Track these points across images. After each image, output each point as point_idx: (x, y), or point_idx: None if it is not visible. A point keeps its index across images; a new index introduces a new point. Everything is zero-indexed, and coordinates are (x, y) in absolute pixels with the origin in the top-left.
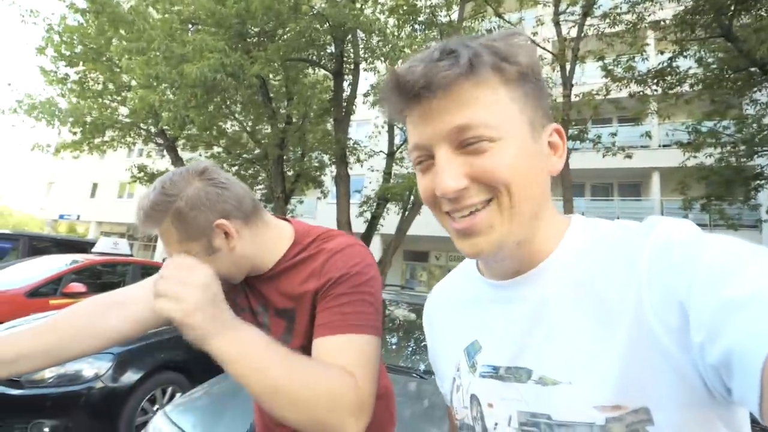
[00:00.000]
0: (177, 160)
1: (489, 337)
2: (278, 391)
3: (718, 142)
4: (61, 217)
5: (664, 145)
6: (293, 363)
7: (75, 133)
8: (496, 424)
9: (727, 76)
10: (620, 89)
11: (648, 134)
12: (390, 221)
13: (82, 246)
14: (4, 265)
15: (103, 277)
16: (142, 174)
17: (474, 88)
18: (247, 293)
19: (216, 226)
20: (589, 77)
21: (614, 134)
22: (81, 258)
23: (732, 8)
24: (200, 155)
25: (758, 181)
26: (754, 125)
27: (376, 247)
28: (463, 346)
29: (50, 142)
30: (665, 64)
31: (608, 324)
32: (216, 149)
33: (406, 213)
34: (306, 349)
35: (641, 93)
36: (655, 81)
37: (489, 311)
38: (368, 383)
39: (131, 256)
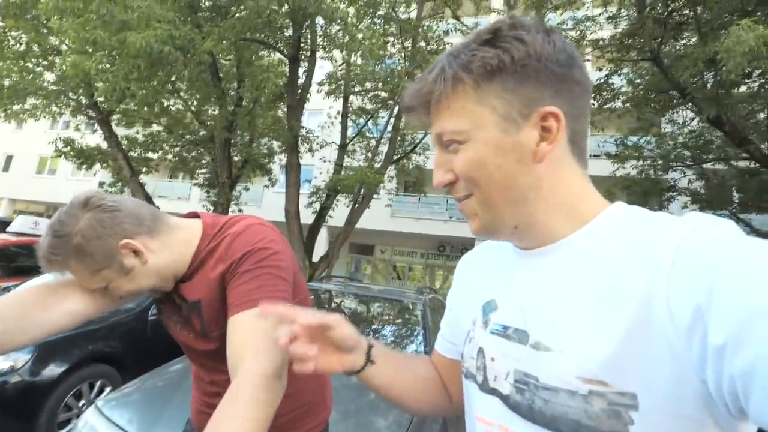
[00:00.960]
0: (111, 136)
1: (505, 299)
2: None
3: (640, 156)
4: None
5: (595, 155)
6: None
7: None
8: (495, 376)
9: (651, 96)
10: None
11: None
12: (339, 213)
13: None
14: None
15: (19, 260)
16: (68, 149)
17: (444, 100)
18: (174, 297)
19: (121, 248)
20: None
21: None
22: None
23: (662, 36)
24: (137, 132)
25: (671, 193)
26: (671, 142)
27: (323, 238)
28: (481, 303)
29: None
30: (602, 80)
31: (613, 304)
32: (156, 127)
33: (356, 206)
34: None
35: None
36: (593, 95)
37: (510, 275)
38: (265, 352)
39: None
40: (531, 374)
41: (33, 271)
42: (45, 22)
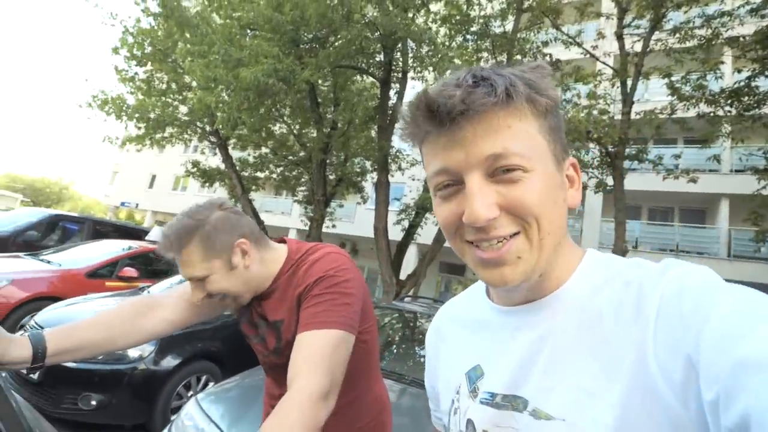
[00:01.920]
0: (227, 158)
1: (491, 363)
2: None
3: None
4: (123, 204)
5: (737, 170)
6: None
7: (140, 128)
8: None
9: None
10: (687, 109)
11: (717, 158)
12: (428, 231)
13: (137, 233)
14: (70, 245)
15: (154, 264)
16: (195, 169)
17: (508, 117)
18: (252, 309)
19: (236, 245)
20: (652, 94)
21: (678, 156)
22: (135, 245)
23: None
24: (249, 154)
25: None
26: None
27: (411, 256)
28: (465, 369)
29: (118, 135)
30: (742, 83)
31: (610, 366)
32: (263, 150)
33: None
34: None
35: (712, 114)
36: (729, 102)
37: (494, 337)
38: (320, 371)
39: None
40: None
41: (164, 273)
42: (181, 63)
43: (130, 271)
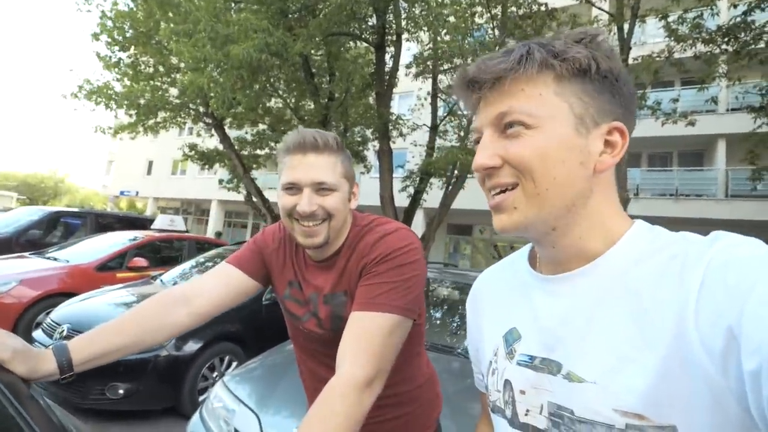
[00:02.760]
0: (224, 139)
1: (529, 327)
2: None
3: None
4: (122, 193)
5: (733, 109)
6: None
7: (130, 115)
8: (527, 410)
9: None
10: (684, 50)
11: (714, 100)
12: (434, 195)
13: (142, 222)
14: (75, 241)
15: (163, 252)
16: (193, 152)
17: (520, 82)
18: (302, 285)
19: (356, 184)
20: (648, 37)
21: (676, 100)
22: (141, 234)
23: None
24: (246, 132)
25: None
26: None
27: (419, 221)
28: (502, 332)
29: (109, 124)
30: (738, 19)
31: (647, 334)
32: (261, 126)
33: (450, 187)
34: None
35: (709, 53)
36: (726, 39)
37: (532, 302)
38: (368, 357)
39: (187, 231)
40: (565, 407)
41: (172, 261)
42: (166, 44)
43: (139, 261)
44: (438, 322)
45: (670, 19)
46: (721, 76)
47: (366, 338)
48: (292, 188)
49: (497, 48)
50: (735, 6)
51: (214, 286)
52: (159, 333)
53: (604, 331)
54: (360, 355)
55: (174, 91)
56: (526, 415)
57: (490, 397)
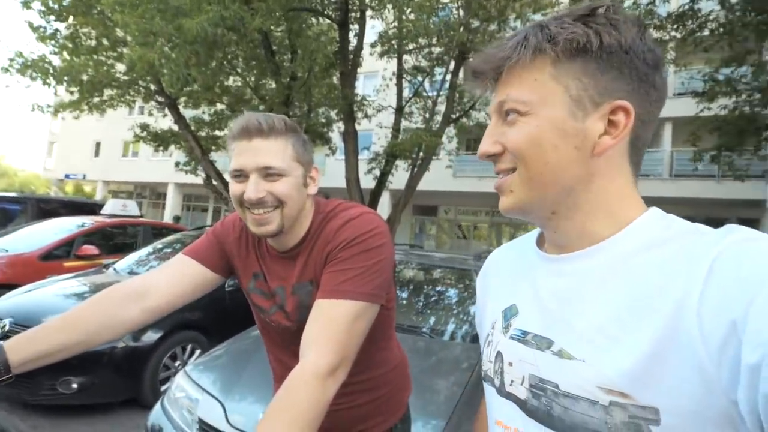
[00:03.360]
0: (179, 119)
1: (528, 304)
2: None
3: (733, 91)
4: (67, 176)
5: (679, 94)
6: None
7: (72, 93)
8: (512, 381)
9: (749, 18)
10: None
11: None
12: (399, 177)
13: (91, 208)
14: (14, 229)
15: (115, 239)
16: (145, 133)
17: (517, 68)
18: (266, 277)
19: (313, 168)
20: None
21: None
22: (91, 220)
23: None
24: (203, 112)
25: None
26: None
27: (385, 203)
28: (502, 308)
29: (49, 101)
30: (686, 6)
31: (641, 316)
32: (219, 106)
33: (415, 169)
34: None
35: (660, 39)
36: (675, 26)
37: (534, 281)
38: (332, 345)
39: (141, 216)
40: (550, 381)
41: (126, 248)
42: (110, 15)
43: (89, 249)
44: (404, 302)
45: (625, 5)
46: (669, 62)
47: (330, 326)
48: (240, 175)
49: (461, 28)
50: None
51: (169, 279)
52: (109, 331)
53: (599, 311)
54: (324, 344)
55: (121, 67)
56: (510, 385)
57: (483, 367)
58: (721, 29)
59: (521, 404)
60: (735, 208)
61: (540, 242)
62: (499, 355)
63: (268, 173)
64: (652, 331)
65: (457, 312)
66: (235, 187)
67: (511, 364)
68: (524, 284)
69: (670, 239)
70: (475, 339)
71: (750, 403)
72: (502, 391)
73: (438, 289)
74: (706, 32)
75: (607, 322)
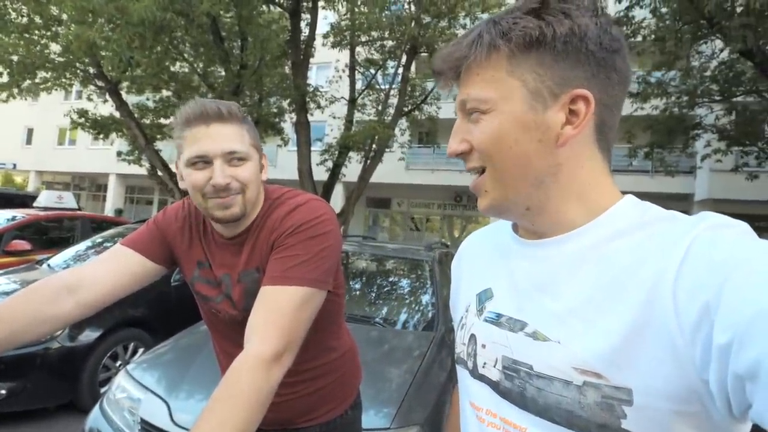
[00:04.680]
0: (122, 105)
1: (503, 288)
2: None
3: (664, 93)
4: None
5: None
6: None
7: (0, 75)
8: (485, 363)
9: (677, 27)
10: None
11: None
12: (352, 169)
13: (22, 200)
14: None
15: (50, 233)
16: (83, 120)
17: (474, 67)
18: (212, 265)
19: (263, 154)
20: None
21: None
22: (22, 213)
23: None
24: (147, 99)
25: (696, 131)
26: (698, 77)
27: (338, 195)
28: (477, 291)
29: None
30: (622, 13)
31: (617, 298)
32: (165, 93)
33: (368, 161)
34: None
35: None
36: None
37: (510, 264)
38: (277, 331)
39: (79, 209)
40: (523, 362)
41: (63, 242)
42: None
43: (20, 244)
44: (357, 293)
45: None
46: None
47: (275, 312)
48: (200, 162)
49: (413, 23)
50: (619, 1)
51: (105, 271)
52: (40, 326)
53: (574, 294)
54: (269, 330)
55: (56, 48)
56: (483, 367)
57: (455, 350)
58: (653, 36)
59: (494, 386)
60: (666, 202)
61: (516, 227)
62: (472, 337)
63: (233, 158)
64: (627, 314)
65: (410, 301)
66: (196, 176)
67: (484, 346)
68: (500, 268)
69: (645, 225)
70: (426, 327)
71: (720, 382)
72: (475, 373)
73: (391, 279)
74: (639, 38)
75: (582, 304)
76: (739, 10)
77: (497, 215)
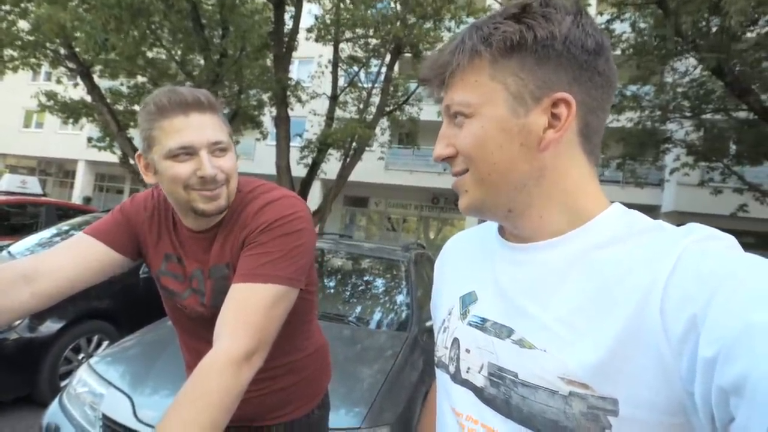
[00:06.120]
0: (93, 89)
1: (487, 292)
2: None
3: (638, 106)
4: None
5: None
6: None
7: None
8: (468, 368)
9: (654, 43)
10: None
11: None
12: (331, 167)
13: None
14: None
15: (12, 219)
16: (51, 102)
17: (457, 73)
18: (182, 259)
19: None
20: None
21: None
22: None
23: None
24: (121, 84)
25: (666, 145)
26: (671, 92)
27: (316, 192)
28: (460, 293)
29: None
30: (603, 26)
31: (605, 309)
32: (140, 79)
33: (347, 159)
34: None
35: None
36: None
37: (495, 268)
38: (248, 330)
39: (44, 195)
40: (509, 369)
41: (25, 229)
42: None
43: None
44: (332, 291)
45: None
46: None
47: (246, 310)
48: (183, 153)
49: (398, 23)
50: (601, 14)
51: (65, 260)
52: None
53: (561, 303)
54: (239, 328)
55: (25, 25)
56: (467, 372)
57: (436, 353)
58: (631, 50)
59: (478, 392)
60: None
61: (501, 229)
62: (455, 341)
63: (216, 149)
64: (616, 325)
65: (384, 301)
66: (180, 168)
67: (468, 350)
68: (484, 271)
69: (633, 234)
70: (400, 327)
71: (704, 394)
72: (457, 378)
73: (366, 278)
74: (618, 51)
75: (570, 314)
76: (714, 29)
77: (477, 215)
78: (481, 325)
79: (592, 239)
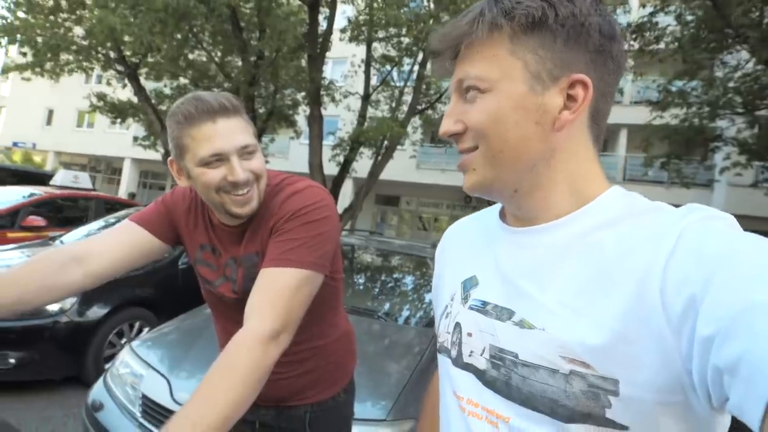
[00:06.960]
0: (140, 90)
1: (488, 275)
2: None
3: (685, 102)
4: (15, 144)
5: (635, 102)
6: (211, 392)
7: (25, 54)
8: (471, 351)
9: (702, 36)
10: None
11: (620, 91)
12: (363, 165)
13: (40, 178)
14: None
15: (65, 212)
16: (101, 103)
17: (474, 46)
18: (217, 250)
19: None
20: None
21: None
22: (40, 191)
23: None
24: (165, 85)
25: (716, 143)
26: (721, 88)
27: (348, 190)
28: (462, 279)
29: None
30: (646, 18)
31: (605, 289)
32: (182, 80)
33: (379, 158)
34: None
35: None
36: (634, 36)
37: (496, 252)
38: (275, 311)
39: (94, 190)
40: (509, 350)
41: (76, 221)
42: None
43: (35, 220)
44: (361, 287)
45: None
46: (627, 70)
47: (274, 292)
48: (216, 161)
49: (431, 21)
50: (644, 6)
51: (114, 244)
52: (49, 292)
53: (562, 284)
54: (267, 309)
55: (80, 31)
56: (469, 356)
57: (438, 339)
58: (676, 43)
59: (480, 375)
60: None
61: (502, 214)
62: (457, 326)
63: (245, 152)
64: (617, 305)
65: (413, 298)
66: (212, 175)
67: (470, 334)
68: (485, 256)
69: (633, 215)
70: (428, 324)
71: (700, 373)
72: (458, 362)
73: (395, 275)
74: (662, 45)
75: (571, 294)
76: (766, 20)
77: (483, 195)
78: (482, 308)
79: (593, 220)
